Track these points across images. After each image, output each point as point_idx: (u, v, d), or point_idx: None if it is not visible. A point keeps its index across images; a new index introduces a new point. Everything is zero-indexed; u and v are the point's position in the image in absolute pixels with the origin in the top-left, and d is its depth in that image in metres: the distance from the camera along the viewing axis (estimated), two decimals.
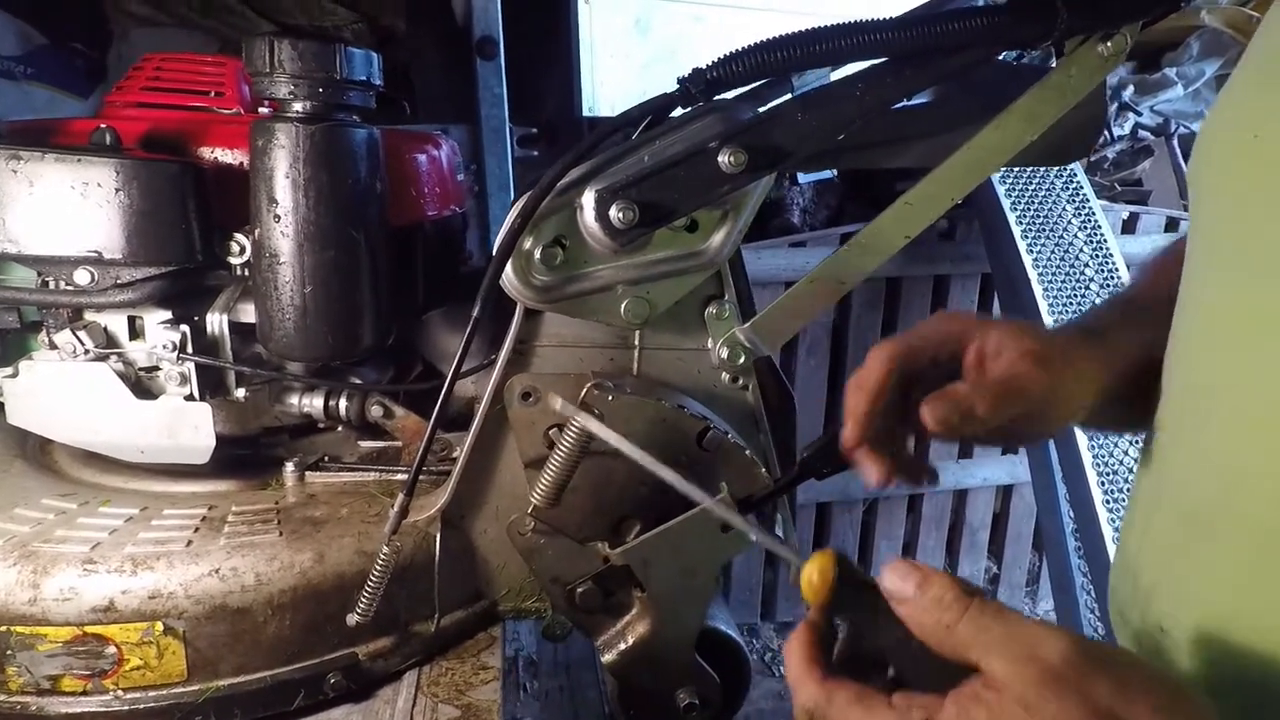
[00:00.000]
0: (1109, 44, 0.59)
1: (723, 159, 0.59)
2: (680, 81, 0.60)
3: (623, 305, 0.64)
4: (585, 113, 1.79)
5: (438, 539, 0.66)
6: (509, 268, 0.61)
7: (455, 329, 0.92)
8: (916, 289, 2.18)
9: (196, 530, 0.61)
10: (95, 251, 0.60)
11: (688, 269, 0.65)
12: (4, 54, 1.56)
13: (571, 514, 0.63)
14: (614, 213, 0.59)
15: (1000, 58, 0.66)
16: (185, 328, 0.65)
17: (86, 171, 0.58)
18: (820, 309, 0.68)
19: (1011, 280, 1.89)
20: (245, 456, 0.75)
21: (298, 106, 0.61)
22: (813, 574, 0.35)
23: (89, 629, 0.54)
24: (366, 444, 0.81)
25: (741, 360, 0.68)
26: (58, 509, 0.62)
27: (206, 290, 0.70)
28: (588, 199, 0.60)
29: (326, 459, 0.76)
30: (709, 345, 0.69)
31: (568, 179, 0.60)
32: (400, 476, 0.74)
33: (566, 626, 0.69)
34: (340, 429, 0.81)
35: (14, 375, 0.65)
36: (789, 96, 0.64)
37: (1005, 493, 2.40)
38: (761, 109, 0.62)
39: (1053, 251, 1.88)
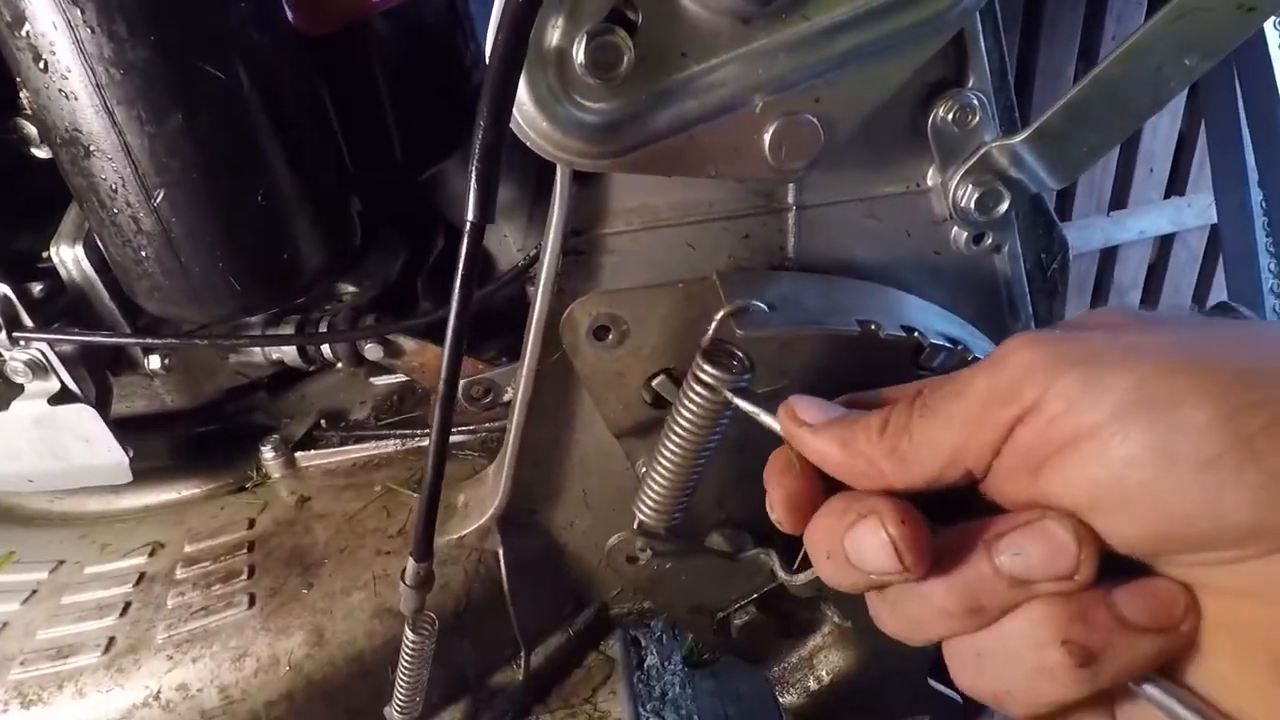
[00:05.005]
0: None
1: None
2: None
3: (767, 136, 0.31)
4: None
5: (501, 555, 0.42)
6: (525, 92, 0.29)
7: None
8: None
9: (123, 613, 0.38)
10: None
11: (896, 44, 0.30)
12: None
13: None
14: None
15: None
16: (5, 288, 0.37)
17: None
18: (1157, 107, 0.32)
19: (1269, 121, 1.29)
20: (212, 434, 0.51)
21: None
22: None
23: None
24: (381, 381, 0.56)
25: (1004, 206, 0.35)
26: None
27: (36, 207, 0.41)
28: None
29: (323, 423, 0.51)
30: (930, 180, 0.36)
31: None
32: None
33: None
34: (339, 367, 0.55)
35: None
36: None
37: (1163, 244, 1.98)
38: None
39: None
